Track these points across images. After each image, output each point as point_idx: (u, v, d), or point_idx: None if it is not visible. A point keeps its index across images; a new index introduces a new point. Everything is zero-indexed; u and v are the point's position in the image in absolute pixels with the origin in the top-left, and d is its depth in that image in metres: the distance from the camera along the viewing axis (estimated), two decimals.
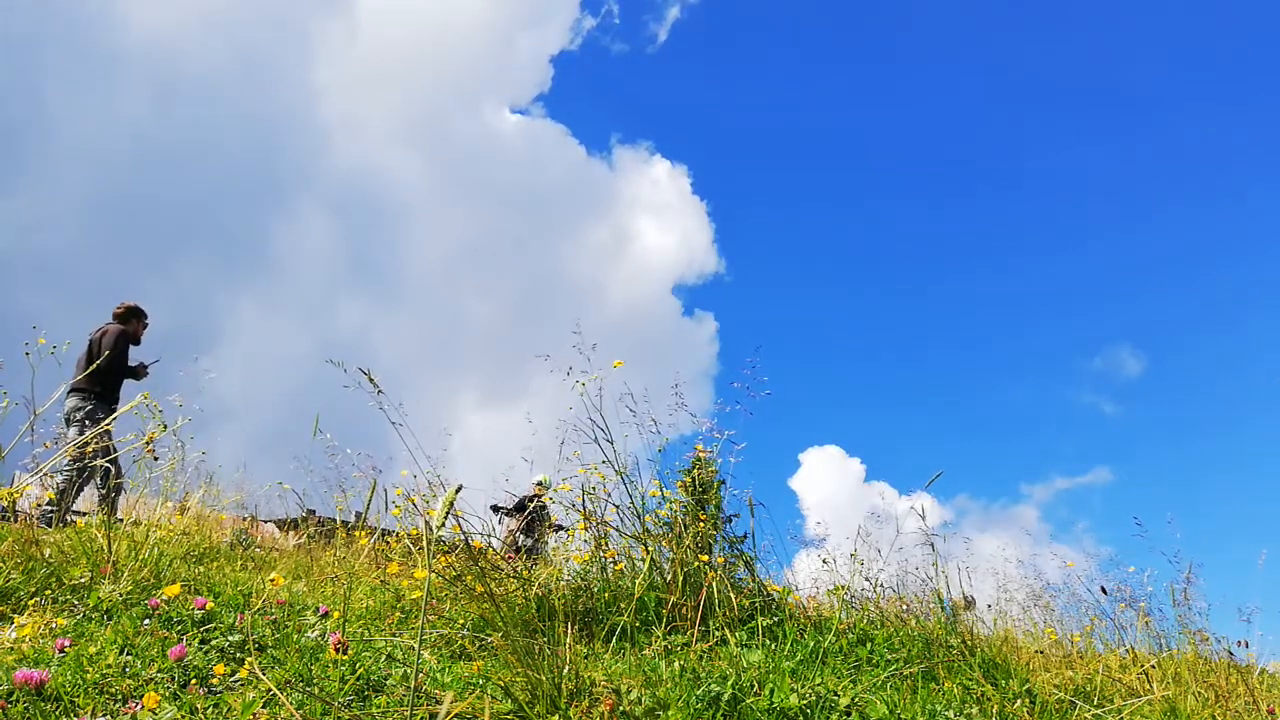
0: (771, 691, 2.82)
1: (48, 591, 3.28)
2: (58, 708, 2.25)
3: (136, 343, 7.21)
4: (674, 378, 4.99)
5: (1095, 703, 3.28)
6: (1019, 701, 3.17)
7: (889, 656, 3.58)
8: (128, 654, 2.64)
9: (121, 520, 4.86)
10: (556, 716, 2.49)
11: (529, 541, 8.97)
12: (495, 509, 9.35)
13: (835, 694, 2.91)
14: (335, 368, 4.05)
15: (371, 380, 3.96)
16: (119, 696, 2.37)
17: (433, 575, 3.24)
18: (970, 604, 4.49)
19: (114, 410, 6.38)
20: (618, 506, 4.49)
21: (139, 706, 2.24)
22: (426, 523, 3.44)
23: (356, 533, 6.65)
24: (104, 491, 5.89)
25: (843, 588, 4.47)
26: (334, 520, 7.09)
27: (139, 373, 7.04)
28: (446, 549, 4.57)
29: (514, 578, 4.14)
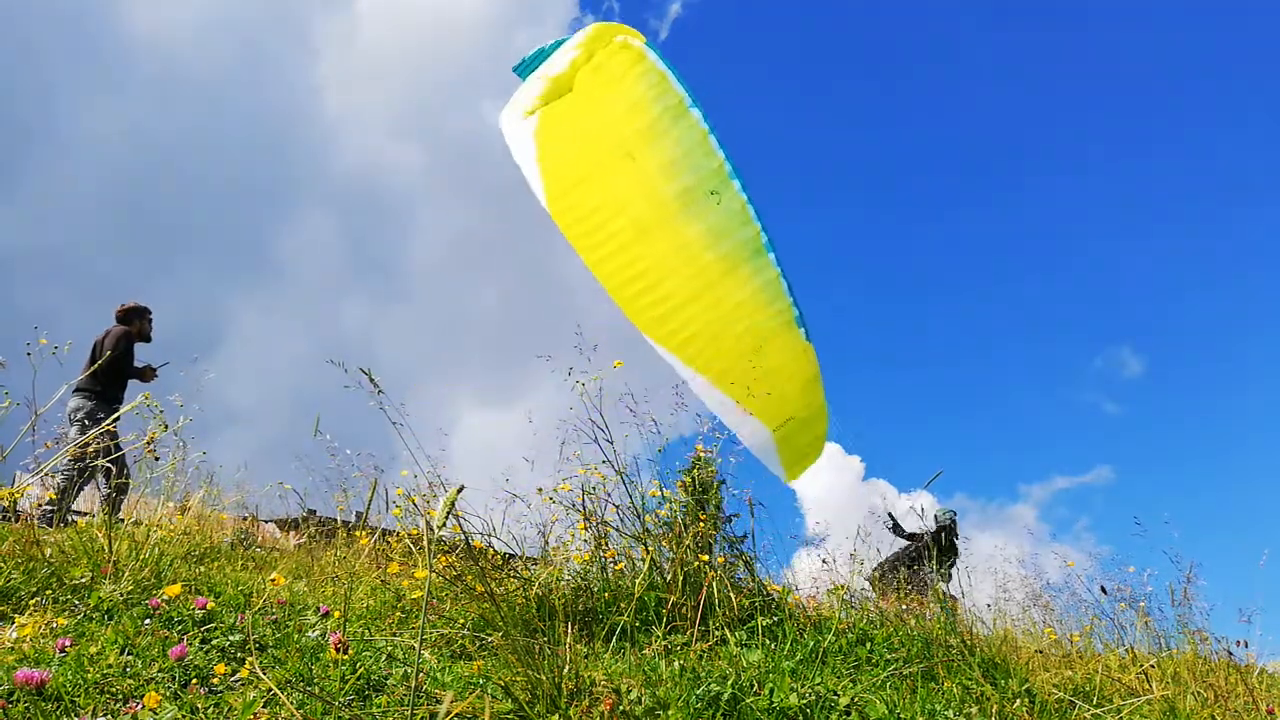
0: (771, 691, 2.82)
1: (48, 591, 3.28)
2: (58, 708, 2.25)
3: (147, 340, 7.21)
4: (674, 377, 5.01)
5: (1095, 702, 3.29)
6: (1018, 701, 3.18)
7: (888, 656, 3.59)
8: (128, 654, 2.64)
9: (122, 520, 4.86)
10: (556, 716, 2.49)
11: (918, 569, 8.11)
12: (897, 530, 8.63)
13: (835, 693, 2.92)
14: (336, 368, 4.06)
15: (372, 380, 3.96)
16: (120, 696, 2.38)
17: (433, 575, 3.25)
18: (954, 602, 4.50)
19: (115, 410, 6.38)
20: (618, 506, 4.49)
21: (140, 706, 2.25)
22: (427, 523, 3.44)
23: (357, 533, 6.66)
24: (107, 491, 5.90)
25: (842, 587, 4.47)
26: (335, 520, 7.10)
27: (146, 374, 7.03)
28: (447, 549, 4.58)
29: (514, 578, 4.15)
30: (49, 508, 5.58)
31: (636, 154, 5.38)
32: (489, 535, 4.41)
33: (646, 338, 5.38)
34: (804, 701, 2.79)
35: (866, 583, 8.00)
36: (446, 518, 1.89)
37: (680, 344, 5.36)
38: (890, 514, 8.33)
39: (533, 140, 5.65)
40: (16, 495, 4.42)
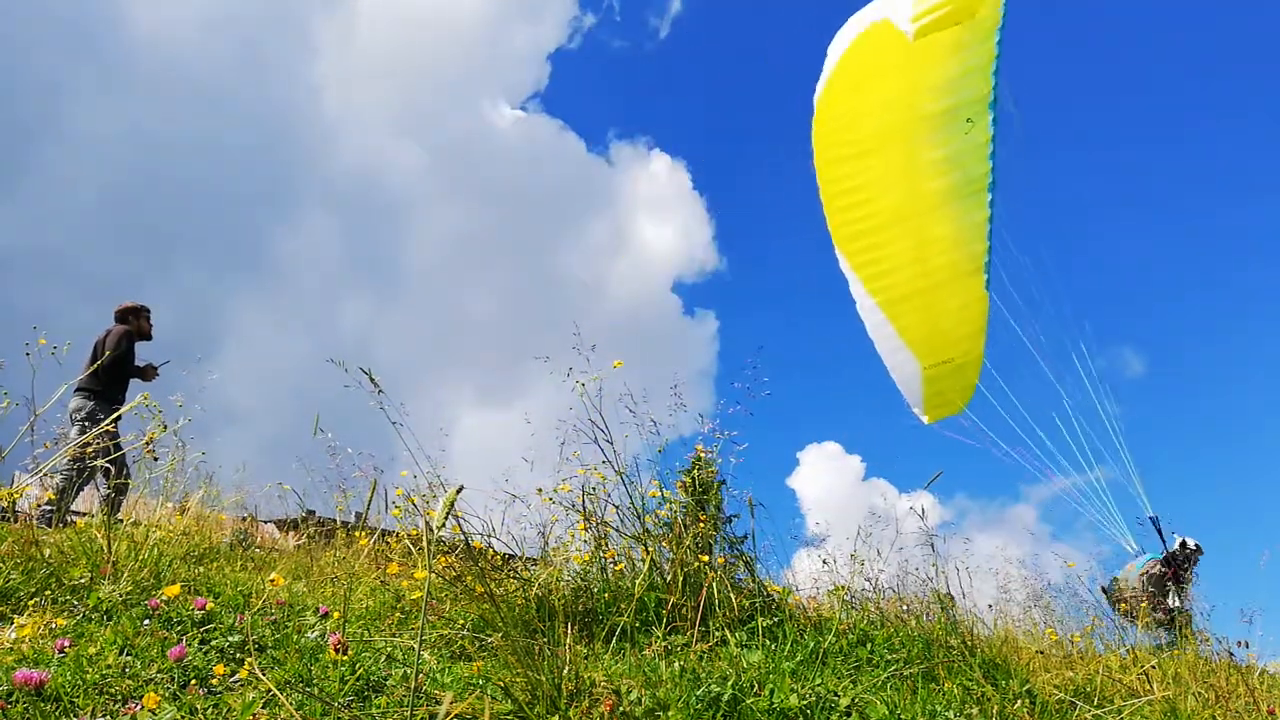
0: (771, 692, 2.81)
1: (47, 592, 3.28)
2: (57, 708, 2.25)
3: (147, 338, 7.22)
4: (674, 377, 5.00)
5: (1095, 703, 3.28)
6: (1019, 702, 3.17)
7: (889, 657, 3.58)
8: (127, 654, 2.64)
9: (121, 521, 4.86)
10: (556, 717, 2.49)
11: (1175, 600, 7.45)
12: (1173, 558, 7.66)
13: (835, 694, 2.91)
14: (336, 368, 4.06)
15: (372, 380, 3.96)
16: (119, 697, 2.37)
17: (433, 575, 3.24)
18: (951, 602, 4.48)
19: (115, 410, 6.38)
20: (618, 507, 4.49)
21: (139, 707, 2.24)
22: (427, 523, 3.44)
23: (356, 533, 6.65)
24: (106, 491, 5.89)
25: (843, 588, 4.47)
26: (334, 521, 7.09)
27: (148, 373, 7.02)
28: (447, 549, 4.57)
29: (514, 578, 4.14)
30: (48, 508, 5.57)
31: (923, 71, 5.13)
32: (489, 536, 4.40)
33: (837, 251, 5.32)
34: (804, 702, 2.78)
35: (1137, 587, 7.39)
36: (446, 518, 1.89)
37: (865, 262, 5.29)
38: (1158, 525, 7.56)
39: (854, 38, 5.36)
40: (15, 495, 4.41)
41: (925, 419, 5.67)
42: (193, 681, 2.50)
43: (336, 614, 3.35)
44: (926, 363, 5.35)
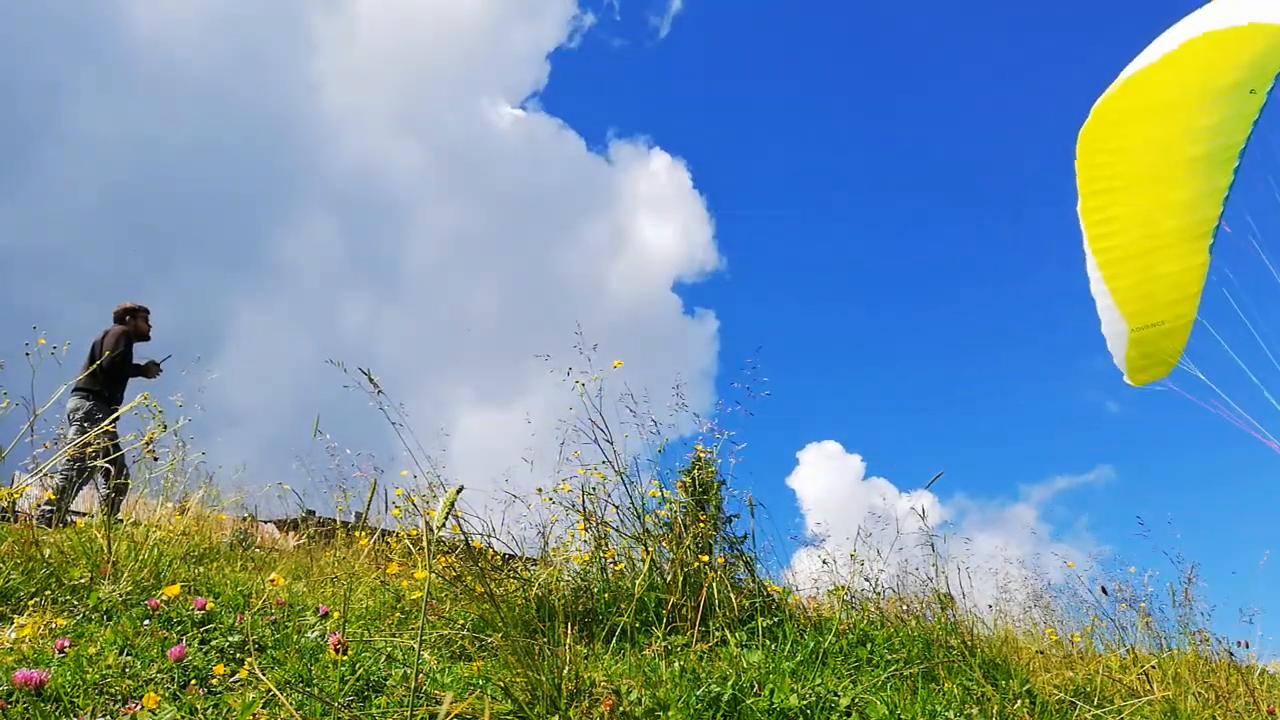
0: (771, 692, 2.82)
1: (47, 592, 3.28)
2: (57, 708, 2.25)
3: (145, 339, 7.21)
4: (674, 377, 4.99)
5: (1095, 703, 3.28)
6: (1019, 702, 3.17)
7: (889, 657, 3.58)
8: (127, 654, 2.64)
9: (121, 521, 4.86)
10: (556, 717, 2.49)
11: None
12: None
13: (835, 694, 2.91)
14: (336, 368, 4.07)
15: (372, 380, 3.96)
16: (119, 697, 2.37)
17: (433, 576, 3.24)
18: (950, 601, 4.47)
19: (114, 410, 6.37)
20: (618, 507, 4.49)
21: (139, 707, 2.24)
22: (427, 523, 3.44)
23: (356, 533, 6.65)
24: (106, 491, 5.89)
25: (842, 588, 4.47)
26: (334, 521, 7.09)
27: (150, 370, 7.01)
28: (447, 549, 4.57)
29: (514, 578, 4.15)
30: (48, 508, 5.57)
31: (1239, 51, 4.97)
32: (489, 536, 4.40)
33: (1079, 209, 5.34)
34: (804, 702, 2.78)
35: None
36: (446, 518, 1.89)
37: (1096, 221, 5.25)
38: None
39: (1199, 35, 5.24)
40: (15, 495, 4.41)
41: (1129, 380, 5.68)
42: (193, 681, 2.50)
43: (336, 614, 3.35)
44: (1134, 324, 5.36)
